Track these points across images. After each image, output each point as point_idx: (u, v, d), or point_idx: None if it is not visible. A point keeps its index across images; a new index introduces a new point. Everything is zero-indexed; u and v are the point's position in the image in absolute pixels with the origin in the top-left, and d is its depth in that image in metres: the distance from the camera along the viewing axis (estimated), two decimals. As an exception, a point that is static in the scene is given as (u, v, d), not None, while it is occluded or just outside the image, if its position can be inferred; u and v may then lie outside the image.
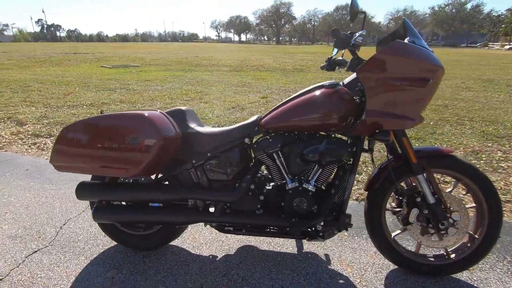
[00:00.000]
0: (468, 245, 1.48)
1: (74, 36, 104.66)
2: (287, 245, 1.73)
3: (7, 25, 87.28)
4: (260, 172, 1.54)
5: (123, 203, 1.54)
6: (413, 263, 1.49)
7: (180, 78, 8.59)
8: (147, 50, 23.33)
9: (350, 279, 1.48)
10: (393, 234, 1.52)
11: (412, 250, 1.55)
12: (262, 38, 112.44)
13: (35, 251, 1.66)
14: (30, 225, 1.90)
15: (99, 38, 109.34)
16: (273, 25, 76.08)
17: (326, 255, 1.65)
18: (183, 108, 1.54)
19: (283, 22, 76.58)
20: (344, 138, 1.48)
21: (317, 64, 12.93)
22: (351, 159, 1.42)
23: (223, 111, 4.80)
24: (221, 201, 1.42)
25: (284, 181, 1.44)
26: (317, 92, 1.36)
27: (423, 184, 1.36)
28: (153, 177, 1.61)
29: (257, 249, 1.70)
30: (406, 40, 1.26)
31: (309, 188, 1.40)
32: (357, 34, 1.32)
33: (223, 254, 1.65)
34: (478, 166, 2.85)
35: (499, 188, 2.42)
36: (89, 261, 1.59)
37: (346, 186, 1.43)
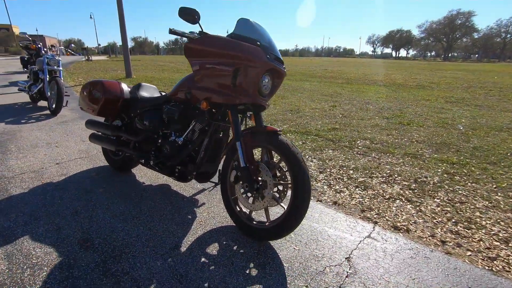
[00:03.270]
0: (280, 216, 1.61)
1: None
2: (187, 191, 2.29)
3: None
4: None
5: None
6: (243, 224, 1.76)
7: (283, 86, 9.56)
8: (291, 63, 25.82)
9: (197, 219, 1.92)
10: (237, 194, 1.83)
11: (247, 212, 1.79)
12: (429, 54, 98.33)
13: (79, 158, 2.98)
14: (90, 148, 3.29)
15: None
16: (443, 39, 65.12)
17: (202, 204, 2.11)
18: (142, 83, 2.41)
19: (457, 35, 64.30)
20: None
21: (453, 82, 10.83)
22: (207, 126, 1.88)
23: (279, 112, 5.35)
24: (131, 140, 2.21)
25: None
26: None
27: (238, 150, 1.65)
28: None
29: (168, 186, 2.36)
30: (226, 35, 1.64)
31: (177, 141, 1.96)
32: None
33: (149, 183, 2.42)
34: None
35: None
36: (92, 167, 2.74)
37: (201, 145, 1.89)
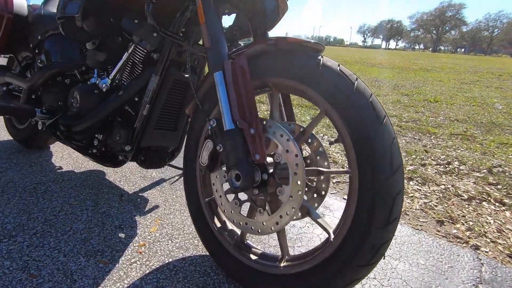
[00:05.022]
0: (318, 250, 0.68)
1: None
2: (132, 184, 1.33)
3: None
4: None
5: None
6: (226, 257, 0.82)
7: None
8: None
9: (135, 242, 0.97)
10: (215, 194, 0.88)
11: (237, 233, 0.85)
12: (417, 46, 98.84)
13: None
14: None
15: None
16: (433, 31, 64.79)
17: (154, 208, 1.15)
18: (57, -4, 1.40)
19: (447, 28, 64.17)
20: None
21: (456, 67, 10.16)
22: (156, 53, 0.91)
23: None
24: (21, 86, 1.21)
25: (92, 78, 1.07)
26: None
27: (219, 91, 0.70)
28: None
29: (101, 174, 1.38)
30: None
31: (100, 85, 0.99)
32: None
33: (70, 168, 1.43)
34: None
35: None
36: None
37: (144, 93, 0.92)
